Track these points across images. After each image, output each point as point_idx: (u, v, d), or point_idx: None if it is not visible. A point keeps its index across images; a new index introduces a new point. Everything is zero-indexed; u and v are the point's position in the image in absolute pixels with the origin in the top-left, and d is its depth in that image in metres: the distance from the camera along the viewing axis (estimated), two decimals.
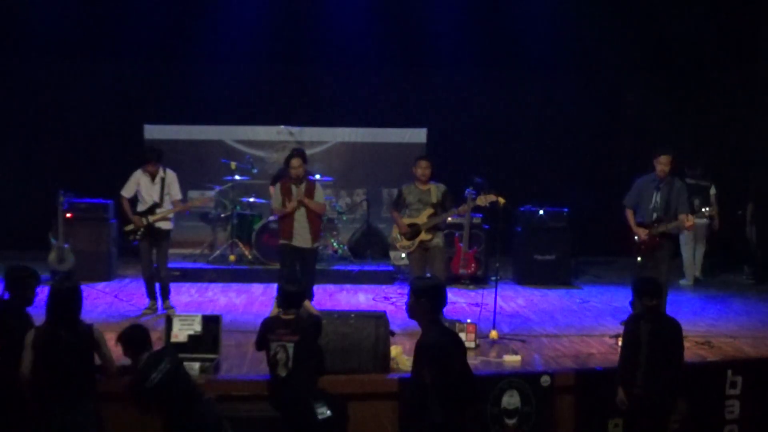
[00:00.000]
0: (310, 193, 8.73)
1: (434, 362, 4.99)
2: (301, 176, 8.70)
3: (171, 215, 8.92)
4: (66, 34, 12.63)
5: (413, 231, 8.61)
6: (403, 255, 9.07)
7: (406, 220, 8.67)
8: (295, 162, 8.68)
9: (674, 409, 5.96)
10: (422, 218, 8.60)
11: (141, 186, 8.90)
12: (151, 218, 8.78)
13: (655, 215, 8.52)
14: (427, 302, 5.17)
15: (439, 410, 4.93)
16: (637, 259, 8.52)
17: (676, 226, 8.46)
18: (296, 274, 8.66)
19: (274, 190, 8.97)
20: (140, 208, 8.88)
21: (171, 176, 8.94)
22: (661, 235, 8.42)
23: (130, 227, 8.86)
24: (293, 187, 8.71)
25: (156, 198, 8.82)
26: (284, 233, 8.76)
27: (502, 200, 8.38)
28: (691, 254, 11.54)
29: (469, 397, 5.23)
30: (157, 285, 9.00)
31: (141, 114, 12.71)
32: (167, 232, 8.95)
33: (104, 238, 10.91)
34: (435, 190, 8.66)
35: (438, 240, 8.66)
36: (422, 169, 8.66)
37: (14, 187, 12.85)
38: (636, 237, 8.54)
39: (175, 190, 8.93)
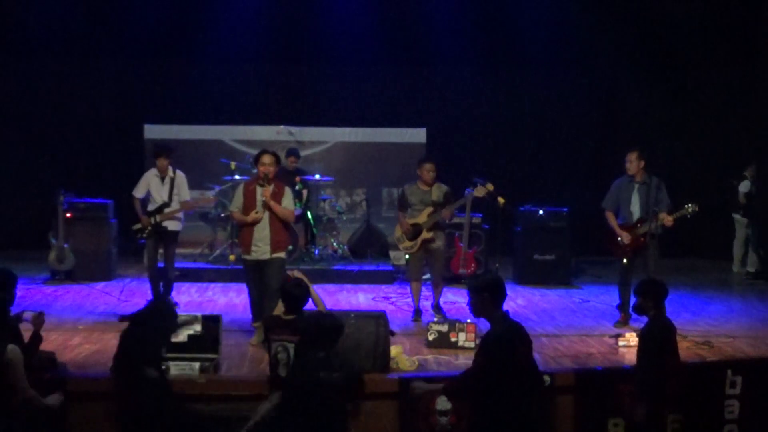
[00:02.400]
0: (277, 196, 7.79)
1: (497, 354, 5.09)
2: (270, 175, 7.77)
3: (180, 215, 8.97)
4: (66, 34, 12.67)
5: (415, 231, 8.69)
6: (407, 256, 9.00)
7: (409, 220, 8.75)
8: (266, 158, 7.79)
9: (634, 413, 5.96)
10: (423, 217, 8.68)
11: (151, 186, 8.98)
12: (158, 217, 8.85)
13: (636, 216, 8.56)
14: (489, 297, 5.24)
15: (504, 402, 5.06)
16: (623, 261, 8.54)
17: (658, 225, 8.43)
18: (260, 293, 7.77)
19: (235, 196, 8.08)
20: (150, 207, 8.96)
21: (180, 177, 9.01)
22: (644, 235, 8.44)
23: (138, 226, 8.94)
24: (258, 189, 7.81)
25: (165, 198, 8.89)
26: (243, 244, 7.88)
27: (502, 200, 8.42)
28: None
29: (534, 390, 5.31)
30: (161, 283, 9.05)
31: (141, 114, 12.71)
32: (175, 233, 9.02)
33: (104, 238, 10.90)
34: (436, 190, 8.74)
35: (440, 242, 8.77)
36: (427, 172, 8.72)
37: (14, 187, 12.86)
38: (620, 239, 8.56)
39: (183, 191, 8.99)
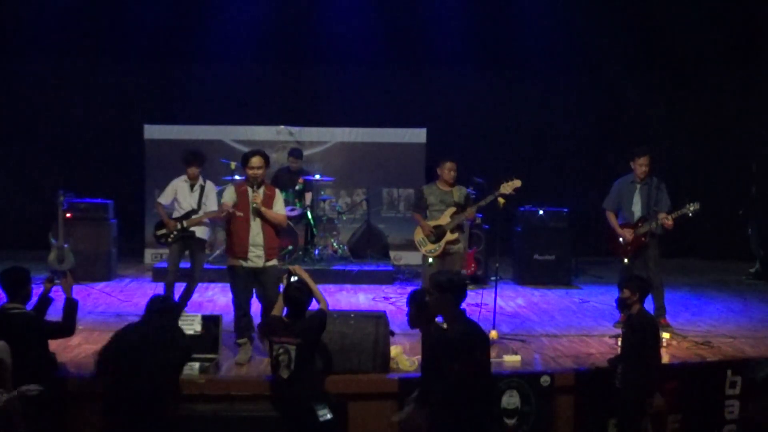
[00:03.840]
0: (268, 200, 7.36)
1: (460, 355, 5.17)
2: (259, 179, 7.31)
3: (207, 220, 8.65)
4: (66, 34, 12.68)
5: (438, 233, 8.36)
6: (430, 260, 8.42)
7: (430, 223, 8.41)
8: (256, 161, 7.29)
9: (649, 405, 6.17)
10: (445, 218, 8.36)
11: (179, 194, 8.67)
12: (185, 222, 8.56)
13: (637, 216, 8.56)
14: (452, 297, 5.37)
15: (466, 405, 5.08)
16: (624, 260, 8.54)
17: (659, 224, 8.41)
18: (249, 303, 7.40)
19: (226, 190, 7.53)
20: (176, 215, 8.66)
21: (210, 186, 8.72)
22: (645, 235, 8.44)
23: (163, 231, 8.60)
24: (249, 191, 7.31)
25: (194, 205, 8.59)
26: (236, 250, 7.27)
27: (502, 200, 8.34)
28: None
29: (489, 391, 5.38)
30: (182, 288, 8.70)
31: (141, 114, 12.72)
32: (202, 241, 8.73)
33: (104, 238, 10.92)
34: (457, 192, 8.46)
35: (461, 245, 8.49)
36: (448, 171, 8.40)
37: (14, 187, 12.88)
38: (621, 239, 8.57)
39: (211, 201, 8.64)
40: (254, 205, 7.24)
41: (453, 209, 8.37)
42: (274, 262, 7.36)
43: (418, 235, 8.49)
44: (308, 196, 11.11)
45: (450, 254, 8.39)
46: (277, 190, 7.57)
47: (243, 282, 7.33)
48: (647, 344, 6.23)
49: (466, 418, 5.16)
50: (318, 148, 12.75)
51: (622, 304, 6.42)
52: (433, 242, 8.38)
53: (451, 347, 5.25)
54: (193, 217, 8.59)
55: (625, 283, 6.50)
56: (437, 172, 8.58)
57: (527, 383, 6.63)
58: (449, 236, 8.34)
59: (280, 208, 7.45)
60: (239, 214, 7.25)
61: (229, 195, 7.42)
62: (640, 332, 6.23)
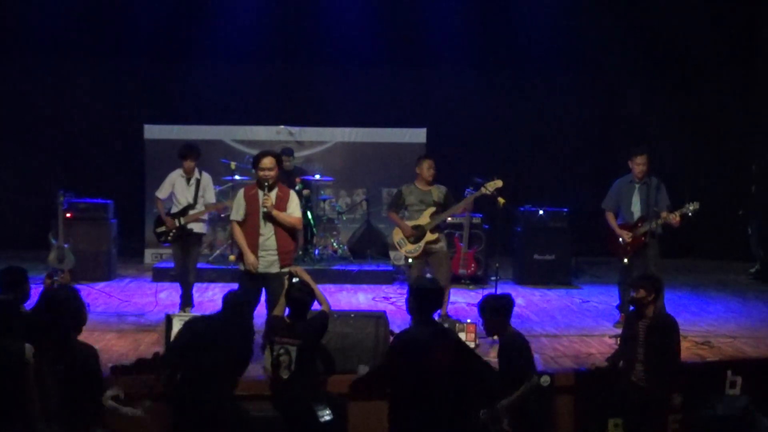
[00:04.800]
0: (281, 202, 7.12)
1: (402, 358, 5.32)
2: (270, 180, 7.08)
3: (205, 216, 8.75)
4: (66, 34, 12.67)
5: (418, 233, 8.37)
6: (410, 260, 8.46)
7: (409, 223, 8.42)
8: (267, 162, 7.05)
9: (670, 404, 6.17)
10: (425, 218, 8.40)
11: (176, 188, 8.73)
12: (183, 220, 8.63)
13: (636, 216, 8.55)
14: (414, 301, 5.52)
15: (409, 408, 5.11)
16: (623, 261, 8.54)
17: (659, 224, 8.39)
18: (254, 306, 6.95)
19: (235, 196, 7.38)
20: (174, 210, 8.73)
21: (206, 179, 8.78)
22: (645, 235, 8.43)
23: (162, 228, 8.70)
24: (260, 194, 7.10)
25: (190, 200, 8.66)
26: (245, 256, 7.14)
27: (501, 200, 8.34)
28: None
29: (449, 399, 5.38)
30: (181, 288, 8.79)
31: (141, 114, 12.71)
32: (199, 235, 8.79)
33: (104, 238, 10.92)
34: (436, 191, 8.49)
35: (442, 244, 8.50)
36: (427, 169, 8.43)
37: (14, 187, 12.87)
38: (621, 239, 8.56)
39: (209, 194, 8.74)
40: (264, 209, 7.04)
41: (432, 209, 8.39)
42: (287, 268, 6.99)
43: (398, 236, 8.50)
44: (304, 194, 11.10)
45: (432, 254, 8.40)
46: (292, 192, 7.32)
47: (250, 286, 7.14)
48: (671, 343, 6.22)
49: (427, 420, 5.21)
50: (318, 148, 12.73)
51: (637, 304, 6.35)
52: (413, 243, 8.38)
53: (394, 350, 5.50)
54: (191, 213, 8.65)
55: (640, 282, 6.38)
56: (416, 170, 8.57)
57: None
58: (429, 236, 8.34)
59: (294, 210, 7.19)
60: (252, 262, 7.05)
61: (238, 206, 7.23)
62: (662, 331, 6.19)
